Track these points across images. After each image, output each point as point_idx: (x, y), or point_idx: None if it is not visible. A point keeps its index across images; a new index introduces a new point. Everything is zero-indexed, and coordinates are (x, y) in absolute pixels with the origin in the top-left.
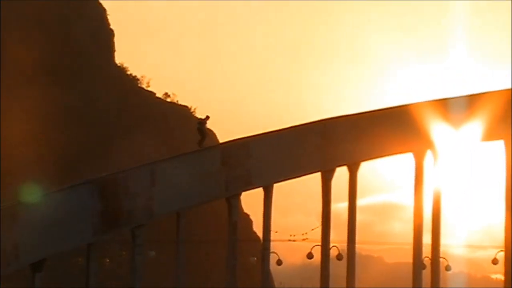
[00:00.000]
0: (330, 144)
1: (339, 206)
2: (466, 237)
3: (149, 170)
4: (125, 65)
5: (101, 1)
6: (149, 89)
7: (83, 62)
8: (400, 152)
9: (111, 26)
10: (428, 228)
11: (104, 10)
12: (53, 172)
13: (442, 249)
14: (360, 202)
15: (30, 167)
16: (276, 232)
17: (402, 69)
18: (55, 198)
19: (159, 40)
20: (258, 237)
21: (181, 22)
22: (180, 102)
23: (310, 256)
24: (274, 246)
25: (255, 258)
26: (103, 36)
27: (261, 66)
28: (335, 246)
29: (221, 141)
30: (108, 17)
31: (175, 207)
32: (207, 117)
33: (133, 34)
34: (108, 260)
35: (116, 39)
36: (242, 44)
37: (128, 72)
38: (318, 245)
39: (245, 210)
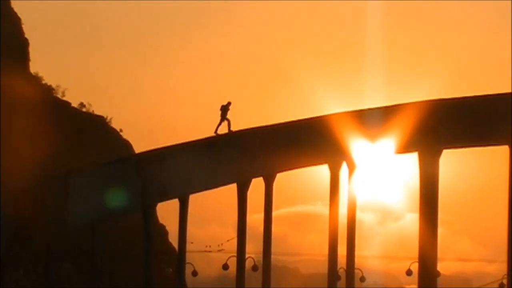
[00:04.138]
0: (246, 156)
1: (255, 217)
2: (381, 249)
3: (63, 182)
4: (40, 75)
5: (16, 11)
6: (64, 98)
7: None
8: (316, 164)
9: (26, 36)
10: (343, 239)
11: (19, 19)
12: None
13: (357, 260)
14: (276, 213)
15: None
16: (192, 243)
17: (316, 80)
18: None
19: (76, 49)
20: (173, 248)
21: (99, 32)
22: (96, 112)
23: (225, 267)
24: (189, 257)
25: (171, 269)
26: (18, 46)
27: (176, 77)
28: (250, 257)
29: (136, 151)
30: (23, 26)
31: (90, 219)
32: (229, 103)
33: (49, 43)
34: (22, 272)
35: (31, 49)
36: (159, 55)
37: (43, 82)
38: (234, 256)
39: (161, 221)
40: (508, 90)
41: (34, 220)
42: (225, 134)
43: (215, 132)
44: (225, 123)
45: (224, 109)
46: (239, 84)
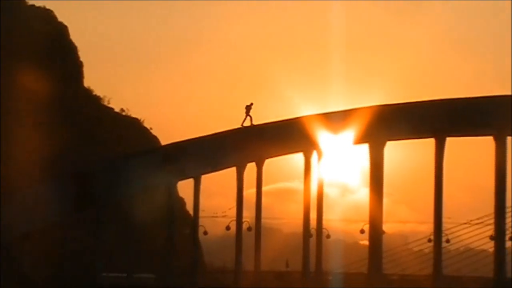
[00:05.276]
0: (242, 146)
1: (249, 191)
2: (341, 214)
3: (111, 165)
4: (91, 88)
5: (71, 38)
6: (109, 105)
7: (57, 88)
8: (294, 152)
9: (81, 59)
10: (314, 207)
11: (75, 46)
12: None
13: (324, 222)
14: (265, 188)
15: None
16: (203, 210)
17: (291, 87)
18: None
19: (117, 67)
20: (190, 214)
21: (139, 51)
22: (132, 115)
23: (228, 228)
24: (201, 221)
25: (188, 231)
26: (74, 67)
27: (191, 87)
28: (246, 221)
29: (163, 143)
30: (79, 52)
31: (128, 194)
32: (251, 104)
33: (97, 63)
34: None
35: (85, 68)
36: (179, 64)
37: (94, 93)
38: (234, 220)
39: (180, 194)
40: (443, 96)
41: (87, 193)
42: (248, 127)
43: (242, 125)
44: (248, 118)
45: (248, 108)
46: (229, 91)
